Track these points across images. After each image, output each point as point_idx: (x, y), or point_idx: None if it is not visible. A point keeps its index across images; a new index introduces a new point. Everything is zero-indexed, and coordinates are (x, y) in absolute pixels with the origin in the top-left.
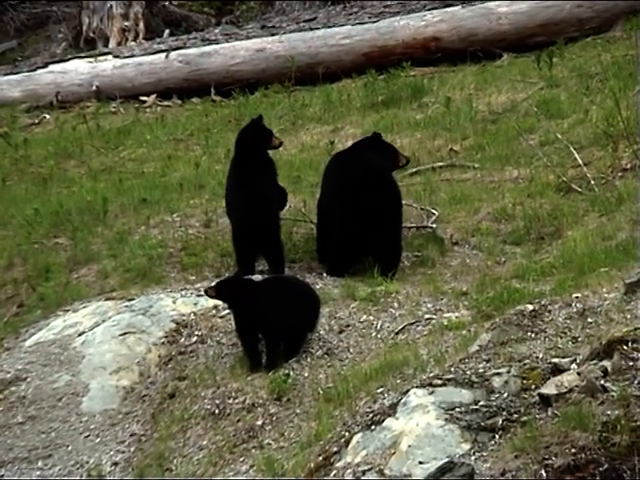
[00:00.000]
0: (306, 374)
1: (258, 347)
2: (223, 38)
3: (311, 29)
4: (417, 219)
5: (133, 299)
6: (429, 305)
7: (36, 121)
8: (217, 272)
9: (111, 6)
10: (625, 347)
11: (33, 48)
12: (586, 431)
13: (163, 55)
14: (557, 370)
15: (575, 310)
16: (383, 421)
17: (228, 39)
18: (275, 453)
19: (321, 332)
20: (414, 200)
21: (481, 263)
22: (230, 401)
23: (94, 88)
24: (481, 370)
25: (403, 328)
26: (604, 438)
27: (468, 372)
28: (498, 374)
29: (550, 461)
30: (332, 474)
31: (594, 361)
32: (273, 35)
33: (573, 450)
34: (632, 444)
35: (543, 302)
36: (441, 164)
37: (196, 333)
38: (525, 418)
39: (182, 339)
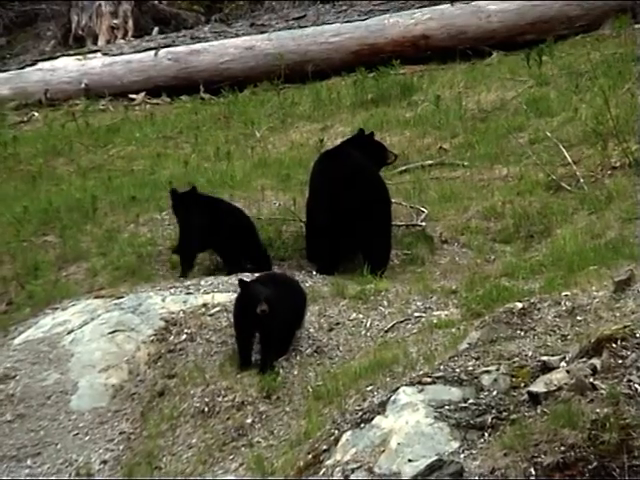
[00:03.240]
0: (296, 372)
1: (252, 346)
2: (212, 36)
3: (300, 27)
4: (406, 217)
5: (122, 297)
6: (419, 303)
7: (25, 119)
8: (206, 270)
9: (100, 4)
10: (614, 345)
11: (22, 46)
12: (575, 429)
13: (152, 53)
14: (546, 368)
15: (564, 308)
16: (372, 419)
17: (217, 37)
18: (264, 451)
19: (311, 330)
20: (403, 198)
21: (470, 261)
22: (219, 399)
23: (83, 86)
24: (470, 368)
25: (393, 326)
26: (593, 436)
27: (457, 370)
28: (487, 372)
29: (539, 459)
30: (321, 472)
31: (583, 359)
32: (262, 33)
33: (562, 448)
34: (621, 442)
35: (532, 300)
36: (430, 162)
37: (185, 331)
38: (514, 416)
39: (171, 337)
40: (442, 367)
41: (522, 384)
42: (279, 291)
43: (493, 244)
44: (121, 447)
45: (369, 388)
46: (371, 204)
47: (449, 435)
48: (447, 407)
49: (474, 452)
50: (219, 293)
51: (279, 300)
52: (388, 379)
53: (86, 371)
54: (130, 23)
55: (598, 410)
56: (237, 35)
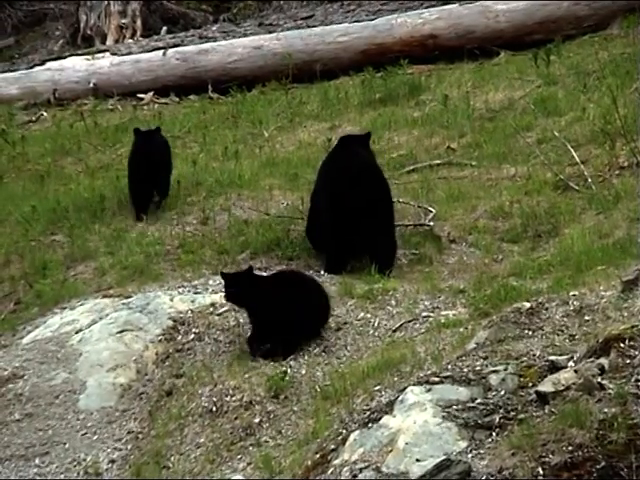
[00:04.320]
0: (303, 372)
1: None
2: (220, 35)
3: (308, 27)
4: (414, 217)
5: (130, 296)
6: (426, 303)
7: (33, 118)
8: (214, 269)
9: (109, 3)
10: (622, 345)
11: (31, 45)
12: (583, 429)
13: (160, 52)
14: (554, 368)
15: (572, 308)
16: (380, 419)
17: (225, 36)
18: (272, 451)
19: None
20: (411, 198)
21: (478, 261)
22: (227, 399)
23: (91, 85)
24: (478, 368)
25: (400, 326)
26: (601, 436)
27: (465, 370)
28: (495, 372)
29: (547, 459)
30: (329, 472)
31: (591, 359)
32: (270, 33)
33: (570, 448)
34: (629, 442)
35: (540, 300)
36: (438, 162)
37: (193, 330)
38: (522, 416)
39: (179, 336)
40: (450, 367)
41: (530, 384)
42: (290, 290)
43: (501, 244)
44: (129, 446)
45: (377, 388)
46: (376, 202)
47: (457, 435)
48: (455, 407)
49: (482, 452)
50: None
51: (284, 300)
52: (396, 379)
53: (94, 370)
54: (138, 23)
55: (606, 410)
56: (245, 35)
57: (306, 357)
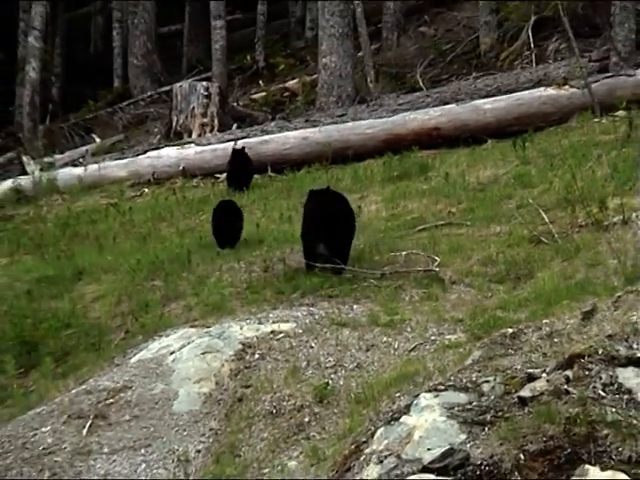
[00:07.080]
0: (341, 382)
1: None
2: (277, 129)
3: (343, 122)
4: (424, 264)
5: (210, 327)
6: (434, 329)
7: (138, 194)
8: (273, 305)
9: (193, 107)
10: (582, 360)
11: (136, 139)
12: (554, 424)
13: (232, 143)
14: (531, 378)
15: (544, 332)
16: (400, 418)
17: (281, 130)
18: (318, 443)
19: (352, 350)
20: (421, 249)
21: (473, 297)
22: (284, 403)
23: (181, 168)
24: (474, 379)
25: (414, 347)
26: (567, 429)
27: (464, 380)
28: (487, 381)
29: (527, 447)
30: (361, 458)
31: (559, 371)
32: (314, 127)
33: (544, 439)
34: (589, 434)
35: (520, 327)
36: (442, 222)
37: (258, 352)
38: (507, 415)
39: (247, 356)
40: (453, 378)
41: (513, 390)
42: None
43: (490, 284)
44: (211, 440)
45: (397, 394)
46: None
47: (458, 430)
48: (457, 408)
49: (477, 442)
50: (283, 323)
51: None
52: (411, 387)
53: (184, 383)
54: (216, 121)
55: (571, 410)
56: (295, 128)
57: (343, 371)
